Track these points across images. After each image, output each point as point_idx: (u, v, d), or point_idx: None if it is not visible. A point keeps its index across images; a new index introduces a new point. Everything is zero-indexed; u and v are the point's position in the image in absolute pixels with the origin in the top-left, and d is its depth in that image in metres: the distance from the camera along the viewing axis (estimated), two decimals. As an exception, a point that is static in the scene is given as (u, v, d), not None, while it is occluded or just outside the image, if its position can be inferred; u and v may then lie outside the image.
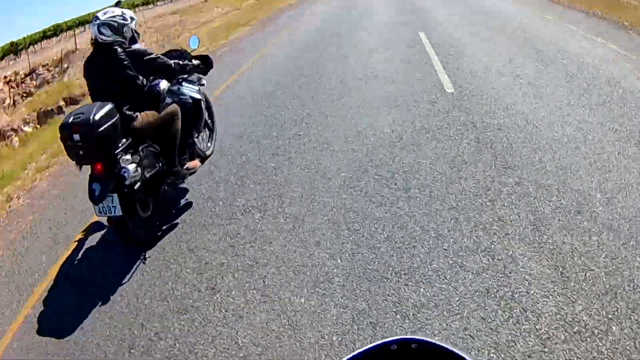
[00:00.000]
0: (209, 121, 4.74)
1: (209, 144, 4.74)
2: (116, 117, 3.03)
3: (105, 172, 2.98)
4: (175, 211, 3.69)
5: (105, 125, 2.91)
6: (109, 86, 3.21)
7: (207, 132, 4.70)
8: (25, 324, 2.82)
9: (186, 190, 3.97)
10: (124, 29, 3.31)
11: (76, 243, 3.56)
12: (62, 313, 2.87)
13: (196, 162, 3.84)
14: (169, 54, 4.12)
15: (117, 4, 3.65)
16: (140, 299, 2.83)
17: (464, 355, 0.70)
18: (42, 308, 2.92)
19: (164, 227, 3.47)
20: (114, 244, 3.41)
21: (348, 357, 0.73)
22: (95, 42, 3.29)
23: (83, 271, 3.27)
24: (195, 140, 4.29)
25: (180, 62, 3.64)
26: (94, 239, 3.57)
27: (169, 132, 3.46)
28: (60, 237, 3.68)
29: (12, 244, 3.78)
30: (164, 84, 3.71)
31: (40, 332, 2.73)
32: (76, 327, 2.69)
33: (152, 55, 3.39)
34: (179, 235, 3.39)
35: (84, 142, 2.89)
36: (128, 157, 3.06)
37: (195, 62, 3.93)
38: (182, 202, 3.82)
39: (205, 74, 4.14)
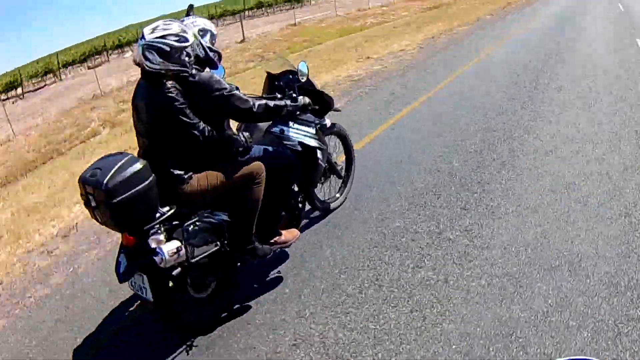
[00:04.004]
0: (341, 166, 3.79)
1: (338, 195, 3.84)
2: (147, 182, 2.17)
3: (135, 246, 2.26)
4: (257, 285, 2.92)
5: (126, 195, 2.10)
6: (156, 131, 2.36)
7: (337, 179, 3.80)
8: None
9: (284, 256, 3.13)
10: (181, 54, 2.29)
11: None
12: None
13: (292, 234, 2.90)
14: (284, 75, 3.14)
15: (188, 11, 2.76)
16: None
17: None
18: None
19: (235, 307, 2.73)
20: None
21: None
22: (141, 66, 2.30)
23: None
24: (315, 189, 3.43)
25: (273, 104, 2.60)
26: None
27: (243, 203, 2.54)
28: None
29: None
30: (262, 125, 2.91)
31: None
32: None
33: (225, 92, 2.37)
34: (251, 320, 2.61)
35: (100, 210, 2.15)
36: (162, 236, 2.24)
37: (302, 100, 2.89)
38: (272, 274, 3.01)
39: (321, 116, 3.19)
